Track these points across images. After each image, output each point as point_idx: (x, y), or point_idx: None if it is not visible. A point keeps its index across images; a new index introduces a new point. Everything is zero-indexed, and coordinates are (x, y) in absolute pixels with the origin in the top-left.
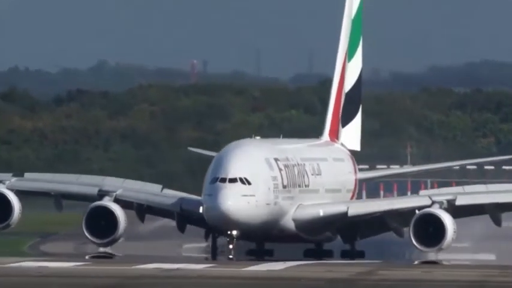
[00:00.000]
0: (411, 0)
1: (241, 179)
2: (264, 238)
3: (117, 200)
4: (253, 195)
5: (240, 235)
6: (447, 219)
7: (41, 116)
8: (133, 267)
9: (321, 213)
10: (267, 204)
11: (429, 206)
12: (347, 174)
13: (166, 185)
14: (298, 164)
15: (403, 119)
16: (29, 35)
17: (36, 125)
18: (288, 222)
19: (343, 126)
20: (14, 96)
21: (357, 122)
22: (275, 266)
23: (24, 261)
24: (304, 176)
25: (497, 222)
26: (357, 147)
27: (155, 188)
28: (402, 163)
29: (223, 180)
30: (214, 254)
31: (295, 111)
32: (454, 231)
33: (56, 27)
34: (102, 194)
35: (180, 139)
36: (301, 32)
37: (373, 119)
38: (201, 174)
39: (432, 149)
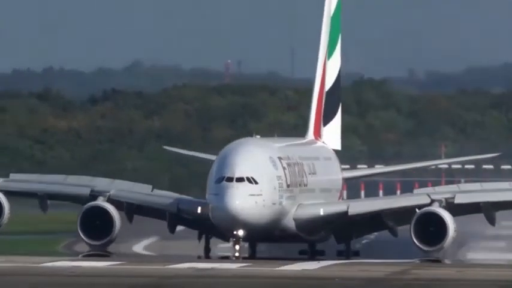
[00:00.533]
0: (449, 0)
1: (248, 178)
2: (264, 238)
3: (110, 201)
4: (261, 195)
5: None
6: (448, 218)
7: (75, 116)
8: (168, 266)
9: (322, 213)
10: (273, 203)
11: (429, 205)
12: (336, 173)
13: (198, 185)
14: (297, 163)
15: (438, 119)
16: (64, 35)
17: (70, 124)
18: (289, 222)
19: (324, 125)
20: (48, 96)
21: (337, 120)
22: (309, 266)
23: (58, 260)
24: (303, 176)
25: (492, 221)
26: (338, 146)
27: (145, 188)
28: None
29: (230, 179)
30: (207, 255)
31: None
32: (455, 230)
33: (91, 27)
34: (94, 195)
35: (214, 139)
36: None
37: (408, 119)
38: None
39: (467, 148)
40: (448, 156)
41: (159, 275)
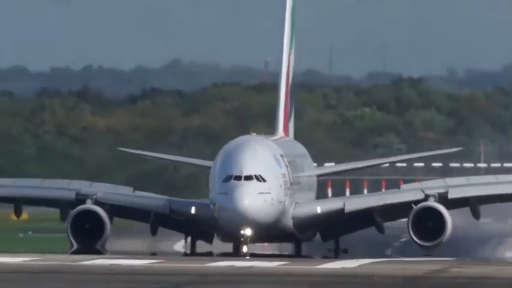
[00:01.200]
0: None
1: (256, 176)
2: (264, 238)
3: (96, 203)
4: (269, 193)
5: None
6: (446, 212)
7: (114, 114)
8: (207, 264)
9: (319, 211)
10: (280, 202)
11: (423, 200)
12: (312, 170)
13: None
14: (293, 161)
15: (477, 117)
16: (102, 33)
17: (109, 123)
18: (288, 221)
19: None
20: (87, 94)
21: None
22: (348, 264)
23: (97, 258)
24: (298, 173)
25: (477, 215)
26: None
27: (127, 190)
28: (476, 161)
29: (238, 178)
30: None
31: (368, 109)
32: (452, 225)
33: (130, 25)
34: (80, 198)
35: None
36: (375, 30)
37: (447, 118)
38: None
39: (506, 147)
40: (487, 155)
41: (198, 273)
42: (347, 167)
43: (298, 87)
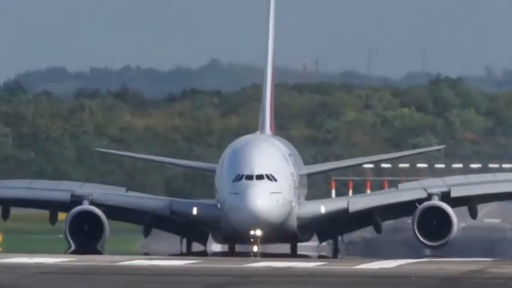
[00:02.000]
0: None
1: (267, 176)
2: (267, 239)
3: (92, 204)
4: (280, 192)
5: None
6: (452, 211)
7: (152, 115)
8: (244, 265)
9: (323, 210)
10: (290, 201)
11: (427, 199)
12: (303, 169)
13: None
14: (296, 160)
15: None
16: (141, 34)
17: (148, 123)
18: (293, 221)
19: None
20: (126, 94)
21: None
22: (387, 264)
23: (135, 259)
24: (299, 172)
25: (474, 214)
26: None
27: (119, 190)
28: None
29: (250, 177)
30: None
31: (407, 110)
32: (457, 224)
33: (169, 26)
34: (75, 200)
35: (292, 137)
36: (414, 31)
37: (486, 118)
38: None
39: None
40: None
41: (235, 274)
42: (334, 166)
43: (336, 87)
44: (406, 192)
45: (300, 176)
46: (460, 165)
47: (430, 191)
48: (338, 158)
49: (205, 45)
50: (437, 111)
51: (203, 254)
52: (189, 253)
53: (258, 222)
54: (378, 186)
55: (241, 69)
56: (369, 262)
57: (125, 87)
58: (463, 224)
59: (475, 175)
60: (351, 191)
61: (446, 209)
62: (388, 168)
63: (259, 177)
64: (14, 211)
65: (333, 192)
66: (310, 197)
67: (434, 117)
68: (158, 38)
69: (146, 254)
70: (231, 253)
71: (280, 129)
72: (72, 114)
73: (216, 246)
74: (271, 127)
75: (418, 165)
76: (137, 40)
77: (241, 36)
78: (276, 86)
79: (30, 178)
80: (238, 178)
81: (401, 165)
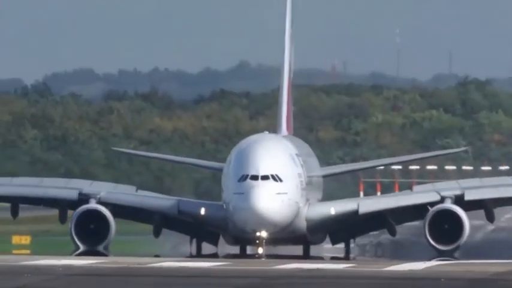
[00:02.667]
0: None
1: (273, 176)
2: (275, 241)
3: (100, 203)
4: (286, 193)
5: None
6: (464, 215)
7: (181, 117)
8: (274, 267)
9: (333, 212)
10: (296, 202)
11: (439, 202)
12: (319, 170)
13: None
14: (305, 160)
15: None
16: (169, 36)
17: (176, 125)
18: (301, 223)
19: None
20: (154, 96)
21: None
22: (416, 266)
23: (164, 261)
24: (310, 173)
25: (491, 218)
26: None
27: (129, 189)
28: None
29: (255, 177)
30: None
31: (435, 112)
32: (469, 228)
33: (197, 28)
34: (83, 198)
35: (320, 139)
36: (442, 32)
37: None
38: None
39: None
40: None
41: (264, 276)
42: (352, 167)
43: (365, 89)
44: (419, 194)
45: (312, 177)
46: (489, 168)
47: (443, 193)
48: (366, 159)
49: (233, 46)
50: (465, 112)
51: (214, 256)
52: (198, 255)
53: (262, 223)
54: (405, 188)
55: (269, 70)
56: (398, 264)
57: (154, 89)
58: (492, 227)
59: (491, 178)
60: (379, 193)
61: (458, 212)
62: (416, 170)
63: (265, 177)
64: (42, 212)
65: (361, 194)
66: (338, 198)
67: (462, 119)
68: (187, 40)
69: (156, 256)
70: (242, 255)
71: (309, 131)
72: (100, 117)
73: (226, 248)
74: (288, 127)
75: (446, 167)
76: (166, 42)
77: (269, 38)
78: (303, 87)
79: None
80: (243, 178)
81: (429, 167)
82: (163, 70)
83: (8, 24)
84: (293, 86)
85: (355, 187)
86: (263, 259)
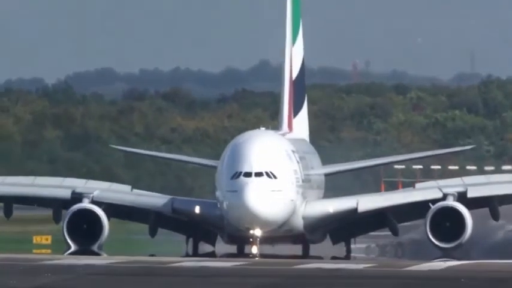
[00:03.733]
0: None
1: (267, 173)
2: (271, 239)
3: (93, 202)
4: (281, 191)
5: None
6: (467, 212)
7: (202, 116)
8: (294, 267)
9: (331, 210)
10: (292, 200)
11: (442, 199)
12: (319, 168)
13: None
14: (303, 157)
15: None
16: (190, 35)
17: (198, 124)
18: (298, 221)
19: (294, 116)
20: (176, 96)
21: (304, 111)
22: (436, 266)
23: (185, 261)
24: (308, 171)
25: (496, 216)
26: (307, 138)
27: (124, 188)
28: None
29: (248, 174)
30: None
31: (458, 111)
32: (472, 226)
33: (219, 27)
34: (76, 197)
35: (341, 139)
36: (463, 32)
37: None
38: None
39: None
40: None
41: (284, 275)
42: (356, 166)
43: (386, 88)
44: (420, 192)
45: (310, 174)
46: (509, 167)
47: (446, 190)
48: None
49: (254, 46)
50: (487, 112)
51: (211, 255)
52: (195, 254)
53: (255, 221)
54: None
55: None
56: (418, 264)
57: (175, 88)
58: (510, 226)
59: (496, 175)
60: None
61: (460, 210)
62: (438, 169)
63: (258, 174)
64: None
65: None
66: None
67: (485, 119)
68: (208, 39)
69: (152, 255)
70: (240, 254)
71: (330, 131)
72: (121, 116)
73: (223, 247)
74: (289, 125)
75: (468, 167)
76: (187, 42)
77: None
78: (325, 87)
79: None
80: (237, 175)
81: (450, 167)
82: (184, 70)
83: (30, 25)
84: (314, 86)
85: (376, 187)
86: (257, 258)
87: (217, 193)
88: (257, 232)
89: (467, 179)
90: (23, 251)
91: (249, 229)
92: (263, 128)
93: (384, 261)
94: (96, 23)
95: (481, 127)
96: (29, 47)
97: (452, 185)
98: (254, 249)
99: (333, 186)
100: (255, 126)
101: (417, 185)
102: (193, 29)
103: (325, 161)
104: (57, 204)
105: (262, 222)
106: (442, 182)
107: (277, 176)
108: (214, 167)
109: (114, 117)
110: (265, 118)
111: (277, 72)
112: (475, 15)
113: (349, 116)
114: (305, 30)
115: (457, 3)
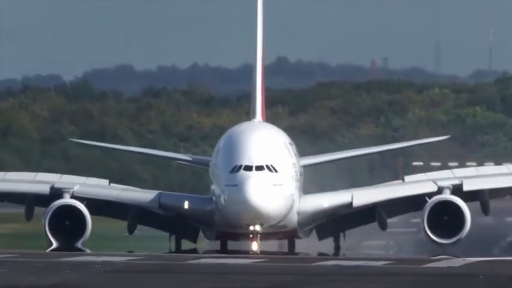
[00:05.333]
0: None
1: (268, 167)
2: (263, 236)
3: (74, 197)
4: (282, 185)
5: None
6: (465, 206)
7: (220, 113)
8: (312, 264)
9: (326, 205)
10: (292, 194)
11: (437, 193)
12: (300, 160)
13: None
14: (290, 149)
15: None
16: (208, 31)
17: (215, 121)
18: (293, 216)
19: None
20: (193, 92)
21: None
22: (454, 263)
23: (203, 258)
24: (300, 163)
25: (487, 210)
26: None
27: (101, 182)
28: None
29: (249, 168)
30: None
31: (478, 108)
32: (470, 220)
33: (236, 24)
34: (55, 192)
35: (359, 135)
36: (482, 28)
37: None
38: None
39: None
40: None
41: (302, 273)
42: (333, 157)
43: (404, 85)
44: (415, 185)
45: (301, 167)
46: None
47: (441, 184)
48: (405, 155)
49: (272, 42)
50: (505, 109)
51: (193, 251)
52: (178, 251)
53: (258, 217)
54: None
55: (309, 66)
56: (437, 261)
57: (193, 85)
58: None
59: (487, 167)
60: None
61: (459, 204)
62: (456, 166)
63: (259, 168)
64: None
65: None
66: None
67: (502, 115)
68: (226, 35)
69: (130, 251)
70: (223, 250)
71: (348, 127)
72: (139, 113)
73: (206, 244)
74: (262, 114)
75: (486, 164)
76: (205, 38)
77: (308, 34)
78: (343, 84)
79: (98, 178)
80: (236, 169)
81: (468, 163)
82: (202, 66)
83: (48, 22)
84: (332, 83)
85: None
86: (257, 254)
87: (213, 187)
88: (257, 228)
89: (458, 171)
90: (40, 248)
91: (249, 225)
92: (256, 120)
93: (402, 258)
94: (114, 20)
95: (500, 124)
96: (46, 43)
97: (446, 178)
98: (254, 246)
99: (349, 184)
100: (274, 122)
101: (406, 178)
102: (211, 25)
103: None
104: (32, 201)
105: (264, 218)
106: (432, 175)
107: (278, 169)
108: (205, 164)
109: (132, 114)
110: (284, 114)
111: (296, 69)
112: (493, 11)
113: (366, 113)
114: (322, 26)
115: (475, 2)
